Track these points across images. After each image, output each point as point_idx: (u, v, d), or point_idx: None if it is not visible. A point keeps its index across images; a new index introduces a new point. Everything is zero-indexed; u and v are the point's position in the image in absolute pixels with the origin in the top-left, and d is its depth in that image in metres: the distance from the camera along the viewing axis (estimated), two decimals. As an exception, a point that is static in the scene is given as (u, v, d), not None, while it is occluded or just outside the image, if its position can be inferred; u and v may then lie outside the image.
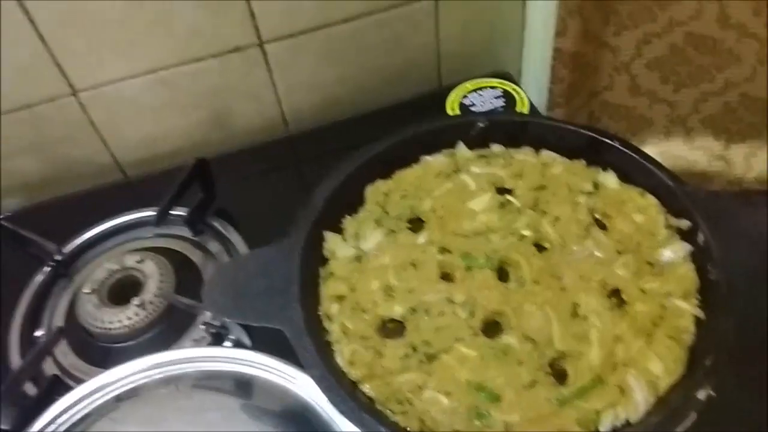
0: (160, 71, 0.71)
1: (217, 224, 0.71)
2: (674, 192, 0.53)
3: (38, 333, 0.64)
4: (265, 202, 0.75)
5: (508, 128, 0.61)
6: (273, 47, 0.73)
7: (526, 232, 0.54)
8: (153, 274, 0.62)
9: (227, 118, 0.79)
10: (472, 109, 0.78)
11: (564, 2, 0.64)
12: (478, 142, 0.62)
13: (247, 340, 0.58)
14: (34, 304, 0.65)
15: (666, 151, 0.77)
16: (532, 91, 0.80)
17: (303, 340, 0.47)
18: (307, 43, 0.74)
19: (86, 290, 0.61)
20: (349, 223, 0.57)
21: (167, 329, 0.61)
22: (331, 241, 0.55)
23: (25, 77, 0.68)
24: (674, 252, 0.51)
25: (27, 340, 0.63)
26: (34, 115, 0.71)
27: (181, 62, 0.71)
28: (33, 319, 0.64)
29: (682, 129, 0.76)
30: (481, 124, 0.61)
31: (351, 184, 0.58)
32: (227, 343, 0.59)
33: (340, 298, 0.52)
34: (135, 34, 0.68)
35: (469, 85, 0.80)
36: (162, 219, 0.65)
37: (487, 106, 0.78)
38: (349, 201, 0.58)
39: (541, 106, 0.78)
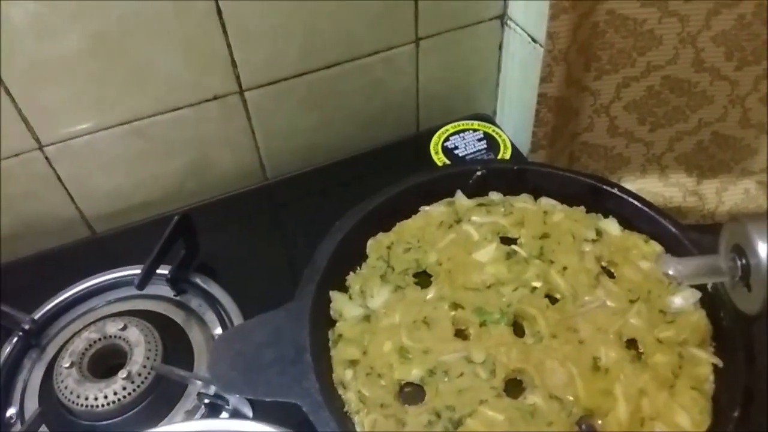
0: (135, 122, 0.67)
1: (198, 280, 0.67)
2: (679, 239, 0.54)
3: (10, 412, 0.57)
4: (245, 251, 0.72)
5: (506, 176, 0.61)
6: (253, 95, 0.70)
7: (537, 284, 0.53)
8: (139, 342, 0.58)
9: (203, 167, 0.75)
10: (456, 152, 0.77)
11: (550, 50, 0.64)
12: (475, 190, 0.61)
13: (247, 411, 0.54)
14: (3, 379, 0.59)
15: (643, 188, 0.79)
16: (510, 131, 0.81)
17: (322, 414, 0.44)
18: (288, 90, 0.72)
19: (65, 364, 0.56)
20: (353, 280, 0.55)
21: (157, 402, 0.56)
22: (338, 302, 0.53)
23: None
24: (684, 299, 0.51)
25: (-3, 422, 0.57)
26: (-6, 170, 0.65)
27: (157, 112, 0.68)
28: (3, 397, 0.58)
29: (657, 167, 0.78)
30: (479, 173, 0.61)
31: (352, 239, 0.56)
32: (224, 414, 0.55)
33: (353, 363, 0.50)
34: (109, 87, 0.64)
35: (450, 127, 0.80)
36: (146, 281, 0.61)
37: (470, 149, 0.78)
38: (352, 256, 0.56)
39: (522, 147, 0.79)
